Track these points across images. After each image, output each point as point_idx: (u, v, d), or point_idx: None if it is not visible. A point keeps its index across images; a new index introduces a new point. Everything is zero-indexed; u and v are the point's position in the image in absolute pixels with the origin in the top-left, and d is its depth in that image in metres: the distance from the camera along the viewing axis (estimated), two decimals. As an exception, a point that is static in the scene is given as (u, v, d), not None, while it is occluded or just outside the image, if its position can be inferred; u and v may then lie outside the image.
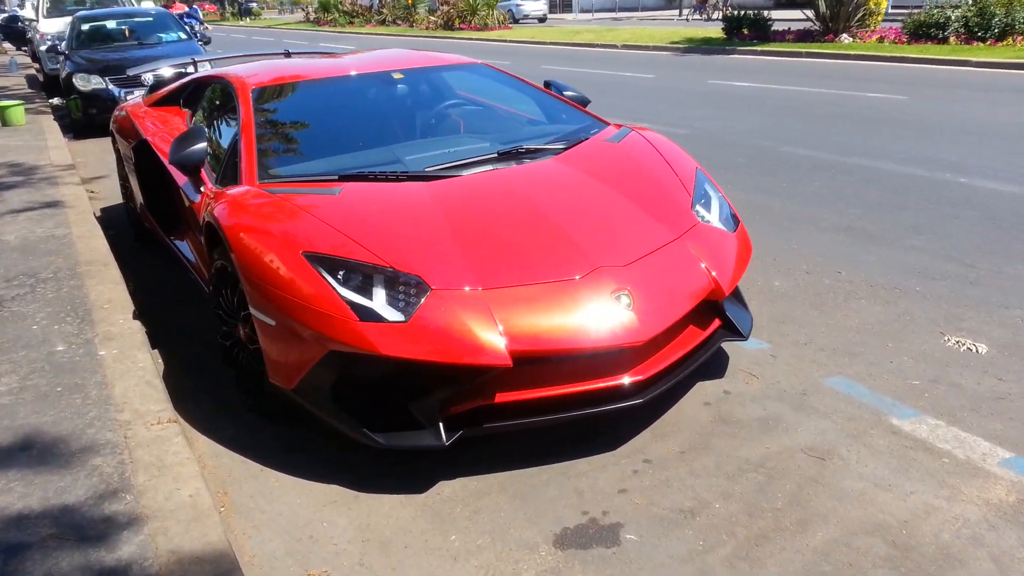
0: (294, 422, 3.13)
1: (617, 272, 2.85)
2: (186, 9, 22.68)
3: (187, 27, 14.13)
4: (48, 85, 14.36)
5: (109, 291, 4.32)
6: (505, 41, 24.91)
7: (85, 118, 10.55)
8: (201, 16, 22.42)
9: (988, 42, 14.46)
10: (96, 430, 2.90)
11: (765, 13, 19.07)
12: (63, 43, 11.92)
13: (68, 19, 13.47)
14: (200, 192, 3.76)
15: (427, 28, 33.08)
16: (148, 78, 10.54)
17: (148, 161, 4.80)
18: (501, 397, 2.73)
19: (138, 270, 5.01)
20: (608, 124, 4.12)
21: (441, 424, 2.68)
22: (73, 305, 4.10)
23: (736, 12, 19.37)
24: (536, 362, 2.70)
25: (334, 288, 2.71)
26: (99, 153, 9.36)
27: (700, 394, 3.20)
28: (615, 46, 20.76)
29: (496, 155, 3.61)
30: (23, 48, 23.42)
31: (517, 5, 36.15)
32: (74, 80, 10.47)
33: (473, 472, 2.81)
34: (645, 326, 2.73)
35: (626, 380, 2.78)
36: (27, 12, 21.56)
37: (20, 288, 4.37)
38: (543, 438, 2.94)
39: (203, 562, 2.24)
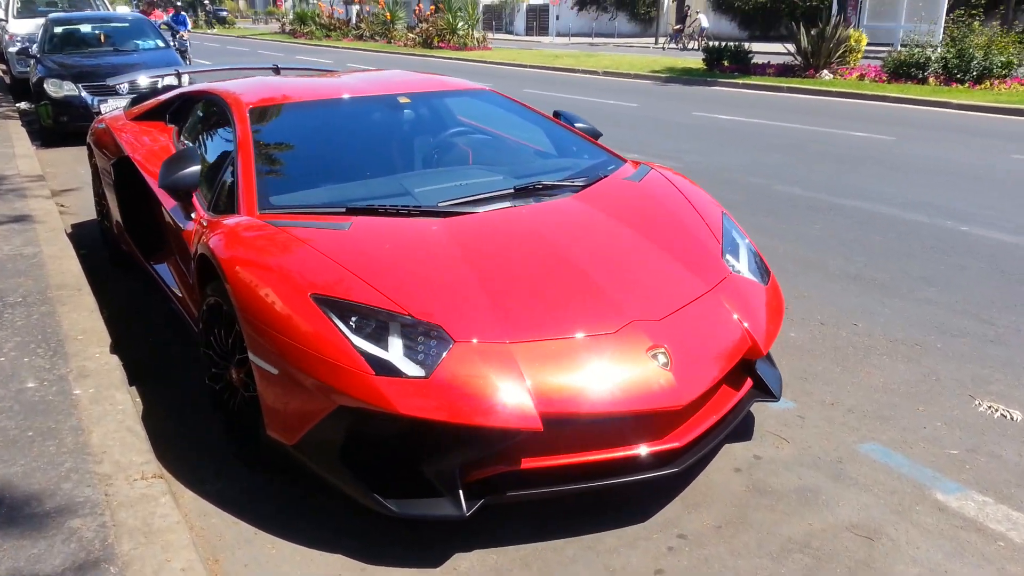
0: (290, 478, 2.86)
1: (651, 327, 2.65)
2: (165, 17, 22.08)
3: (174, 34, 13.83)
4: (16, 89, 13.84)
5: (83, 320, 4.01)
6: (484, 62, 24.78)
7: (56, 126, 10.13)
8: (190, 25, 21.81)
9: (967, 84, 14.68)
10: (73, 485, 2.61)
11: (746, 46, 19.18)
12: (34, 46, 11.48)
13: (39, 20, 13.04)
14: (191, 219, 3.49)
15: (405, 45, 32.86)
16: (124, 87, 10.26)
17: (129, 180, 4.51)
18: (527, 463, 2.49)
19: (113, 296, 4.69)
20: (625, 160, 3.94)
21: (461, 492, 2.44)
22: (44, 335, 3.79)
23: (718, 44, 19.44)
24: (565, 425, 2.48)
25: (346, 336, 2.47)
26: (70, 163, 8.97)
27: (729, 459, 3.00)
28: (596, 72, 20.75)
29: (513, 191, 3.40)
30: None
31: None
32: (46, 86, 10.06)
33: (492, 543, 2.56)
34: (684, 388, 2.52)
35: (663, 447, 2.57)
36: (-4, 11, 20.96)
37: (-15, 313, 4.04)
38: (564, 505, 2.71)
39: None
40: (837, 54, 16.87)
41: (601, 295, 2.75)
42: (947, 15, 19.56)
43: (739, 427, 3.15)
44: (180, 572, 2.24)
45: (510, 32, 47.58)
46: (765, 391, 2.98)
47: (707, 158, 8.94)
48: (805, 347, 3.96)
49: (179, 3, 22.55)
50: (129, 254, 4.88)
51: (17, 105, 12.19)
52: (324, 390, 2.46)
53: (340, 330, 2.49)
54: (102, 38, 11.80)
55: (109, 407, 3.14)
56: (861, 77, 16.30)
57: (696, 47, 30.80)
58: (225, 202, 3.45)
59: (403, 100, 4.07)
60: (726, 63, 19.00)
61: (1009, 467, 2.94)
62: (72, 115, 10.09)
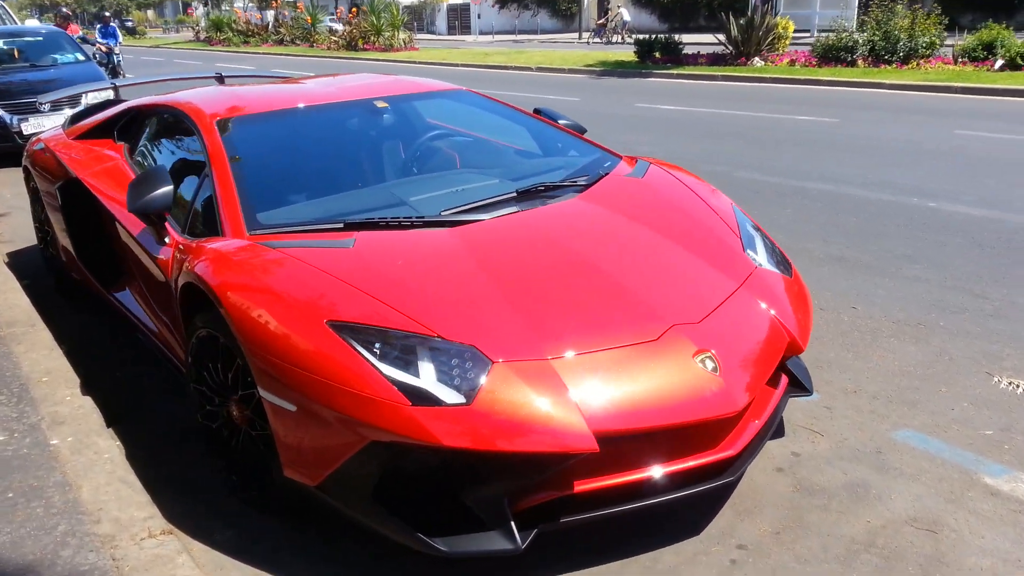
0: (308, 521, 2.63)
1: (693, 331, 2.50)
2: (80, 31, 20.82)
3: (108, 50, 13.22)
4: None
5: (44, 359, 3.66)
6: (413, 63, 24.42)
7: (-30, 149, 9.47)
8: (121, 37, 19.86)
9: (894, 65, 15.08)
10: (73, 551, 2.32)
11: (676, 37, 19.36)
12: (-59, 66, 10.74)
13: (-56, 39, 12.21)
14: (164, 243, 3.20)
15: (329, 48, 32.19)
16: (46, 106, 9.67)
17: (78, 203, 4.16)
18: (580, 485, 2.32)
19: (66, 329, 4.29)
20: (620, 156, 3.80)
21: (513, 523, 2.25)
22: (3, 379, 3.44)
23: (649, 36, 19.57)
24: (616, 442, 2.31)
25: (373, 365, 2.25)
26: (-9, 188, 8.39)
27: (768, 459, 2.88)
28: (529, 68, 20.65)
29: (515, 194, 3.22)
30: None
31: None
32: (-42, 106, 9.40)
33: (543, 571, 2.38)
34: (737, 392, 2.39)
35: (718, 456, 2.42)
36: None
37: (-69, 359, 3.65)
38: (612, 524, 2.54)
39: None
40: (767, 42, 17.15)
41: (634, 300, 2.59)
42: (859, 1, 20.21)
43: (772, 424, 3.04)
44: (215, 642, 2.00)
45: (432, 32, 47.24)
46: (799, 386, 2.88)
47: (660, 149, 8.90)
48: (812, 334, 3.88)
49: (106, 14, 20.77)
50: (81, 282, 4.52)
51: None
52: (351, 424, 2.23)
53: (365, 358, 2.26)
54: (16, 54, 11.10)
55: (94, 456, 2.84)
56: (792, 63, 16.60)
57: (620, 40, 31.08)
58: (203, 224, 3.17)
59: (380, 104, 3.83)
60: (658, 55, 19.15)
61: (1046, 444, 2.90)
62: (-12, 136, 9.47)
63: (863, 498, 2.64)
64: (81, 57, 11.31)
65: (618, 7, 34.32)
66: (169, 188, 3.07)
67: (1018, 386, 3.30)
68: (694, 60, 18.31)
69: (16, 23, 16.07)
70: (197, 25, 48.63)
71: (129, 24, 54.38)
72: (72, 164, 4.23)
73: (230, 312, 2.50)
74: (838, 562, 2.36)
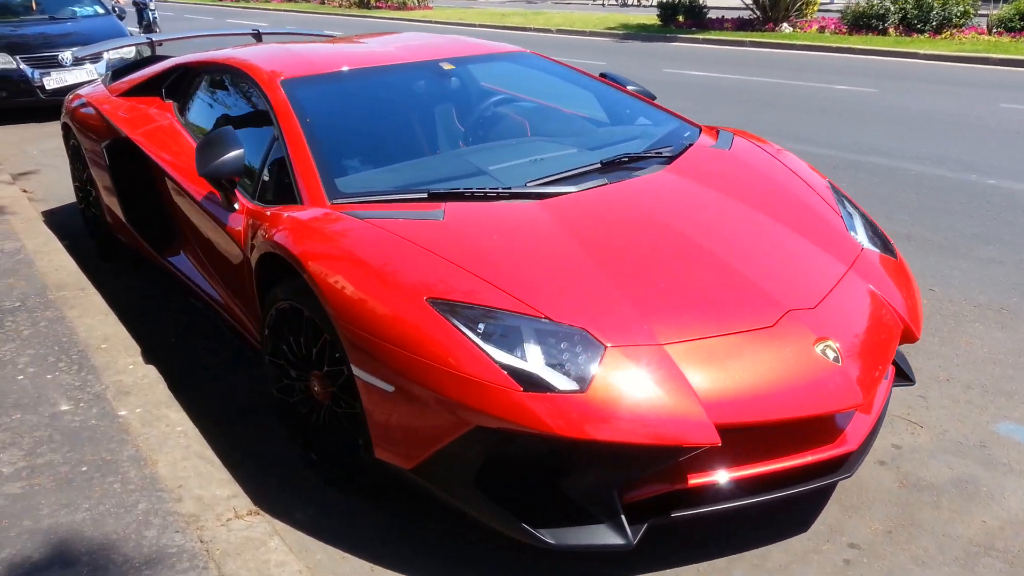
0: (387, 499, 2.53)
1: (810, 317, 2.36)
2: None
3: (141, 3, 12.96)
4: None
5: (99, 324, 3.54)
6: (428, 22, 23.95)
7: (-7, 103, 9.27)
8: None
9: (927, 34, 14.72)
10: (157, 532, 2.22)
11: (700, 1, 18.93)
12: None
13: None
14: (234, 210, 3.05)
15: (340, 6, 31.59)
16: (67, 58, 9.45)
17: (127, 163, 4.01)
18: (693, 479, 2.20)
19: (112, 292, 4.16)
20: (697, 124, 3.63)
21: (623, 516, 2.14)
22: (61, 345, 3.32)
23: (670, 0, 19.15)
24: (733, 434, 2.19)
25: (479, 346, 2.12)
26: (17, 143, 8.22)
27: (870, 451, 2.76)
28: (549, 30, 20.22)
29: (599, 165, 3.06)
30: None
31: None
32: (-21, 59, 9.18)
33: (650, 568, 2.28)
34: (860, 383, 2.25)
35: (837, 451, 2.30)
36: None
37: (-17, 323, 3.53)
38: (717, 517, 2.44)
39: None
40: (795, 7, 16.74)
41: (744, 282, 2.44)
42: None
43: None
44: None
45: (442, -10, 46.27)
46: (903, 376, 2.76)
47: (699, 118, 8.66)
48: (889, 318, 3.75)
49: None
50: (128, 245, 4.38)
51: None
52: (455, 408, 2.11)
53: (470, 339, 2.13)
54: (34, 5, 10.82)
55: (166, 429, 2.73)
56: (821, 29, 16.21)
57: (636, 3, 30.39)
58: (275, 190, 3.02)
59: (447, 67, 3.64)
60: (681, 18, 18.73)
61: None
62: (12, 90, 9.25)
63: (974, 496, 2.53)
64: (100, 10, 11.02)
65: (635, -32, 33.54)
66: (241, 151, 2.91)
67: (1118, 378, 3.18)
68: (719, 25, 17.91)
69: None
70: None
71: None
72: (120, 123, 4.07)
73: (320, 285, 2.37)
74: (959, 565, 2.25)
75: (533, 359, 2.12)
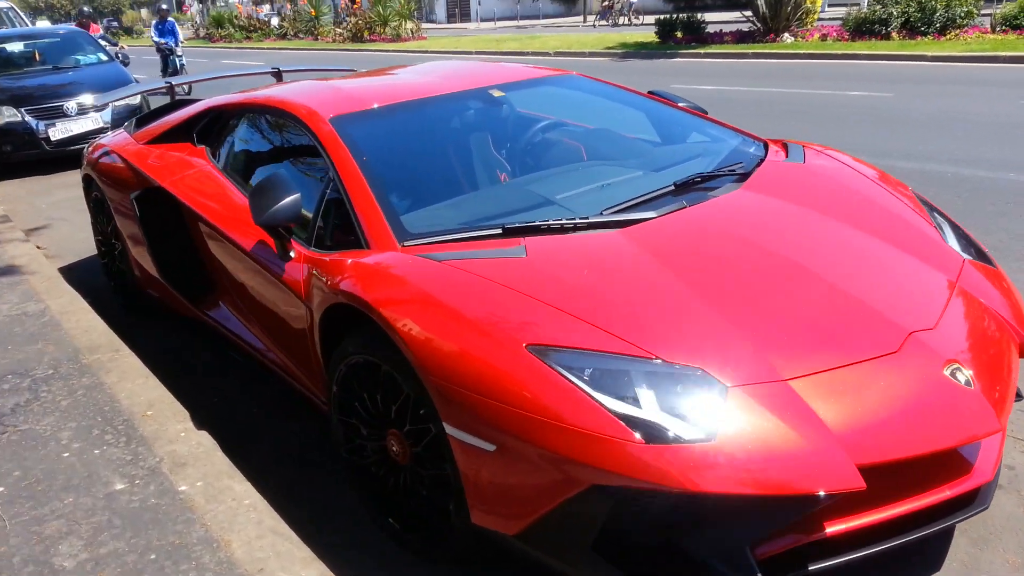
0: (485, 569, 2.31)
1: (933, 338, 2.16)
2: (100, 32, 19.94)
3: (167, 52, 12.92)
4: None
5: (140, 389, 3.34)
6: (424, 52, 24.00)
7: (-2, 157, 9.14)
8: (181, 35, 16.48)
9: (931, 36, 14.64)
10: (245, 627, 2.01)
11: (698, 16, 18.91)
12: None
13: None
14: (289, 259, 2.86)
15: (334, 41, 31.73)
16: (72, 108, 9.33)
17: (160, 214, 3.83)
18: (831, 527, 1.99)
19: (147, 351, 3.92)
20: (760, 138, 3.45)
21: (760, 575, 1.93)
22: (104, 415, 3.11)
23: (669, 15, 19.10)
24: (870, 472, 1.98)
25: (589, 395, 1.92)
26: (26, 197, 8.09)
27: (991, 478, 2.55)
28: (547, 53, 20.22)
29: (673, 187, 2.88)
30: None
31: None
32: (-17, 113, 9.06)
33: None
34: (995, 407, 2.05)
35: (974, 484, 2.10)
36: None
37: (17, 394, 3.32)
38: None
39: None
40: (796, 17, 16.70)
41: (856, 304, 2.25)
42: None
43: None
44: None
45: (431, 20, 46.60)
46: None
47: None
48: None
49: (164, 6, 16.10)
50: (159, 300, 4.19)
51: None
52: (567, 465, 1.90)
53: (578, 387, 1.93)
54: (36, 56, 10.75)
55: (233, 503, 2.52)
56: (824, 38, 16.15)
57: (627, 23, 30.49)
58: (334, 235, 2.83)
59: (496, 94, 3.47)
60: (679, 34, 18.70)
61: None
62: (16, 143, 9.13)
63: (1123, 525, 2.32)
64: (104, 57, 10.94)
65: (623, -12, 33.73)
66: (298, 196, 2.71)
67: None
68: (719, 39, 17.86)
69: (28, 26, 15.68)
70: (195, 22, 48.08)
71: (115, 26, 53.43)
72: (151, 171, 3.89)
73: (403, 337, 2.17)
74: None
75: (648, 406, 1.91)
